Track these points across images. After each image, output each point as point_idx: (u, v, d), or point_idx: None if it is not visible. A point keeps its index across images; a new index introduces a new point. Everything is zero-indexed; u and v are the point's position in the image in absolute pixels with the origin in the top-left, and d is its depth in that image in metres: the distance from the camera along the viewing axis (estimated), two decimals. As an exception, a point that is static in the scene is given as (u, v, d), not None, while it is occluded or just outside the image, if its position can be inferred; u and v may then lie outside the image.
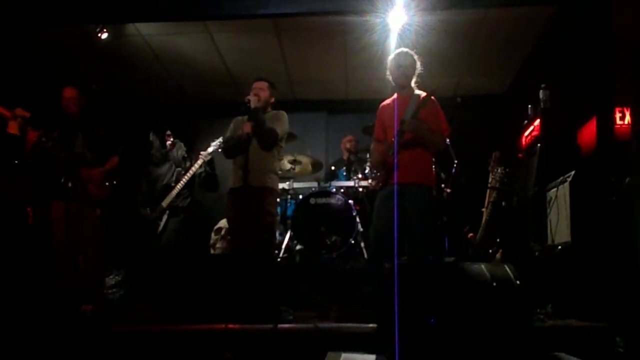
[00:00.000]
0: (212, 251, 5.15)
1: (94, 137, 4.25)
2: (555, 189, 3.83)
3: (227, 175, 5.65)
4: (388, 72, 3.66)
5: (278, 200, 4.44)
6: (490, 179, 4.20)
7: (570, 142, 3.98)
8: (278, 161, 4.08)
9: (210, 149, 4.84)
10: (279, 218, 4.96)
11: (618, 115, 3.59)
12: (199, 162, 4.75)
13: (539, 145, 4.16)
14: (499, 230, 4.06)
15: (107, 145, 4.32)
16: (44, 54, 5.24)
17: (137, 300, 4.45)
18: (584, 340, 2.85)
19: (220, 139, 4.93)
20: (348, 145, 5.68)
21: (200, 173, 4.78)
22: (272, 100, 4.05)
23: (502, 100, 6.32)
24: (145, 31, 5.07)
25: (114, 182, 4.28)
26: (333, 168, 5.75)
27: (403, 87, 3.64)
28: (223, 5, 4.37)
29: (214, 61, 5.66)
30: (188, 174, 4.70)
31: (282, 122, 3.95)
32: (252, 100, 3.79)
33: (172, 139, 4.81)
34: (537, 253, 3.85)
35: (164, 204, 4.64)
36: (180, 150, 4.84)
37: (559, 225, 3.72)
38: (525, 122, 4.51)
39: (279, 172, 4.14)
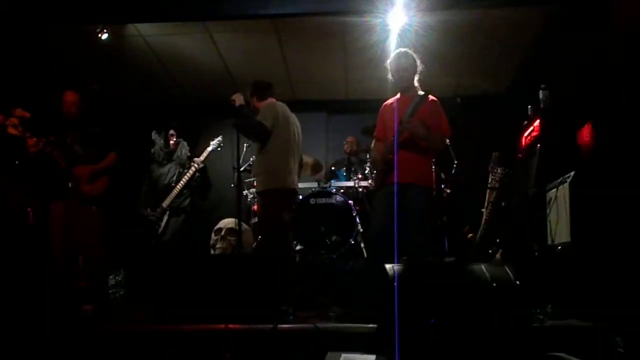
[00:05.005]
0: (212, 251, 5.16)
1: (89, 135, 4.28)
2: (555, 189, 3.83)
3: (223, 179, 5.71)
4: (389, 75, 3.68)
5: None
6: (490, 179, 4.19)
7: (570, 143, 3.97)
8: (277, 156, 3.95)
9: (209, 148, 4.86)
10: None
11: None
12: (197, 163, 4.76)
13: (538, 145, 4.16)
14: (499, 230, 4.06)
15: (103, 143, 4.34)
16: (44, 54, 5.23)
17: (137, 300, 4.46)
18: (584, 340, 2.85)
19: (220, 138, 4.95)
20: (346, 147, 5.71)
21: (197, 177, 4.78)
22: (256, 102, 4.11)
23: (502, 100, 6.32)
24: (145, 31, 5.07)
25: (110, 180, 4.30)
26: (333, 168, 5.75)
27: (405, 89, 3.65)
28: (223, 5, 4.37)
29: (214, 61, 5.66)
30: (188, 174, 4.71)
31: (262, 114, 3.95)
32: (237, 99, 3.87)
33: (175, 139, 4.81)
34: (537, 253, 3.85)
35: (165, 204, 4.65)
36: (184, 150, 4.85)
37: (559, 226, 3.72)
38: (525, 122, 4.51)
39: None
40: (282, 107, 4.05)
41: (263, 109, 3.99)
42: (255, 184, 4.09)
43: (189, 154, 4.86)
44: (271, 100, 4.10)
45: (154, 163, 4.83)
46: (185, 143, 4.89)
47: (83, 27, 4.78)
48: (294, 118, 4.13)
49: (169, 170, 4.77)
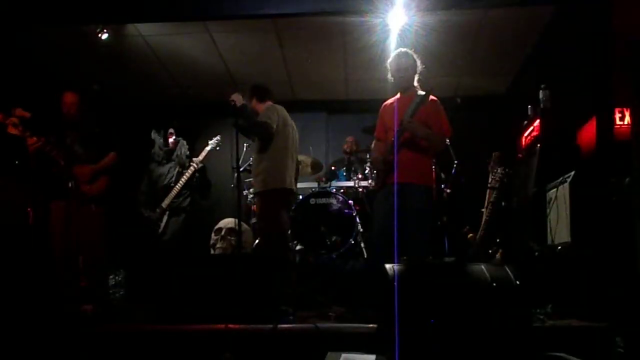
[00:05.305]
0: (212, 251, 5.16)
1: (89, 135, 4.29)
2: (555, 189, 3.83)
3: (223, 179, 5.72)
4: (389, 75, 3.68)
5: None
6: (490, 179, 4.20)
7: (570, 142, 3.98)
8: (275, 157, 3.97)
9: (208, 147, 4.87)
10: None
11: (618, 115, 3.59)
12: (196, 162, 4.76)
13: (538, 145, 4.16)
14: (499, 230, 4.06)
15: (103, 143, 4.35)
16: (44, 54, 5.24)
17: (137, 300, 4.46)
18: (584, 340, 2.85)
19: (218, 138, 4.96)
20: (345, 146, 5.72)
21: (196, 177, 4.79)
22: (255, 103, 4.11)
23: (502, 100, 6.32)
24: (145, 31, 5.06)
25: (110, 180, 4.31)
26: (333, 168, 5.75)
27: (405, 89, 3.65)
28: (223, 5, 4.37)
29: (214, 61, 5.66)
30: (187, 174, 4.71)
31: (265, 115, 3.96)
32: (237, 100, 3.87)
33: (174, 137, 4.82)
34: (537, 253, 3.85)
35: (164, 204, 4.65)
36: (183, 149, 4.86)
37: (559, 226, 3.72)
38: (525, 122, 4.52)
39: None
40: (282, 109, 4.08)
41: (265, 110, 4.01)
42: (254, 184, 4.09)
43: (187, 153, 4.87)
44: (270, 102, 4.12)
45: (154, 162, 4.84)
46: (184, 142, 4.90)
47: (83, 27, 4.78)
48: (291, 120, 4.15)
49: (168, 170, 4.78)
